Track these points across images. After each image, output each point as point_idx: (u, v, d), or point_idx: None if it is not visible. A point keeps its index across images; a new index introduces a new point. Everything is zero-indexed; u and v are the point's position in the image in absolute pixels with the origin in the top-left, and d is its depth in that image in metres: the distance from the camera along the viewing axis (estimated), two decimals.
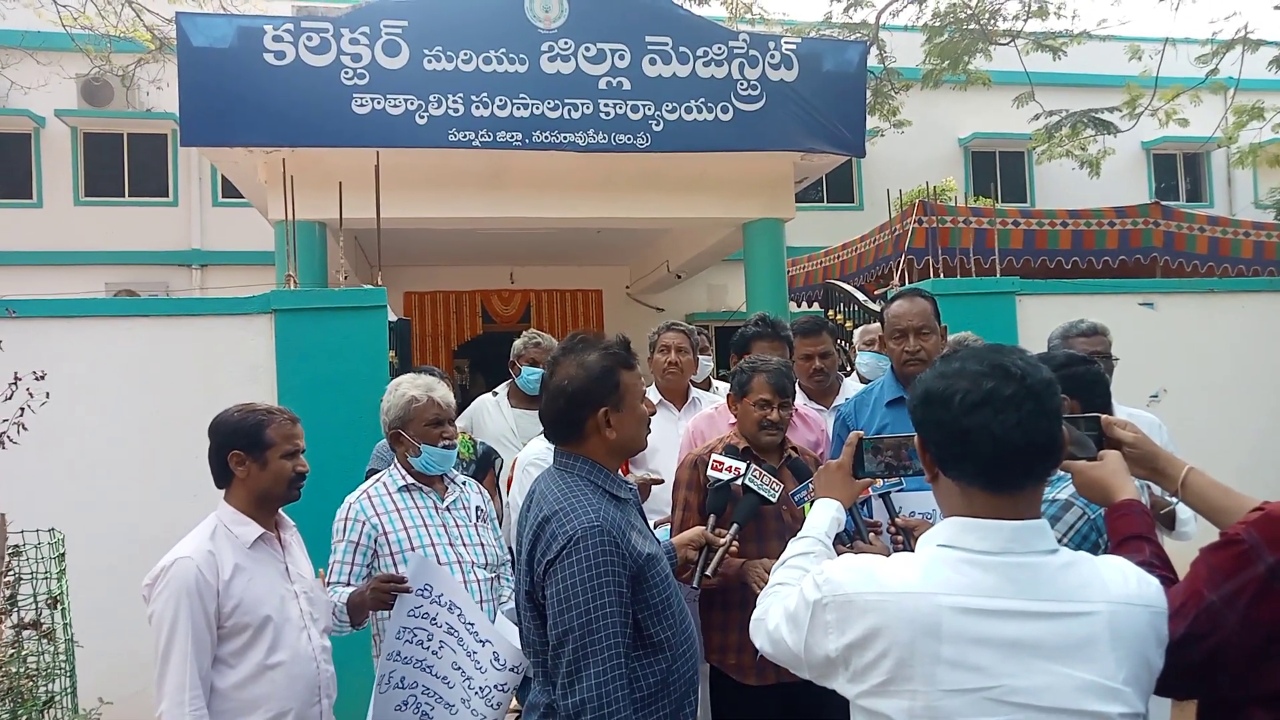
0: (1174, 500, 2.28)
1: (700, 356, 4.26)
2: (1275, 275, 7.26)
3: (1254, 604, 1.28)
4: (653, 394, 3.94)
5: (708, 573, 2.42)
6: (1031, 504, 1.38)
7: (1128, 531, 1.56)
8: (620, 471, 2.16)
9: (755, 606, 1.68)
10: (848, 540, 2.42)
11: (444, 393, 2.91)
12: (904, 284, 5.83)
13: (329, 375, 4.12)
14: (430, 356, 11.86)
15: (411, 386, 2.87)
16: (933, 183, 8.42)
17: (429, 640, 2.53)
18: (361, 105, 6.45)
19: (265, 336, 4.21)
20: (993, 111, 13.55)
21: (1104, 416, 1.77)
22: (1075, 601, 1.31)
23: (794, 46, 7.11)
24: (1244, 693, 1.33)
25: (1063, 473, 1.82)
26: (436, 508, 2.84)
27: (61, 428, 4.05)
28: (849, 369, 5.18)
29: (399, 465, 2.87)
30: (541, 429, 2.10)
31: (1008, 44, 11.37)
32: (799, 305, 9.23)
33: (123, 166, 12.83)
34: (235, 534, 2.34)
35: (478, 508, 2.96)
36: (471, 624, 2.58)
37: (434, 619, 2.54)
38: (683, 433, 3.61)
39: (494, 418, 4.41)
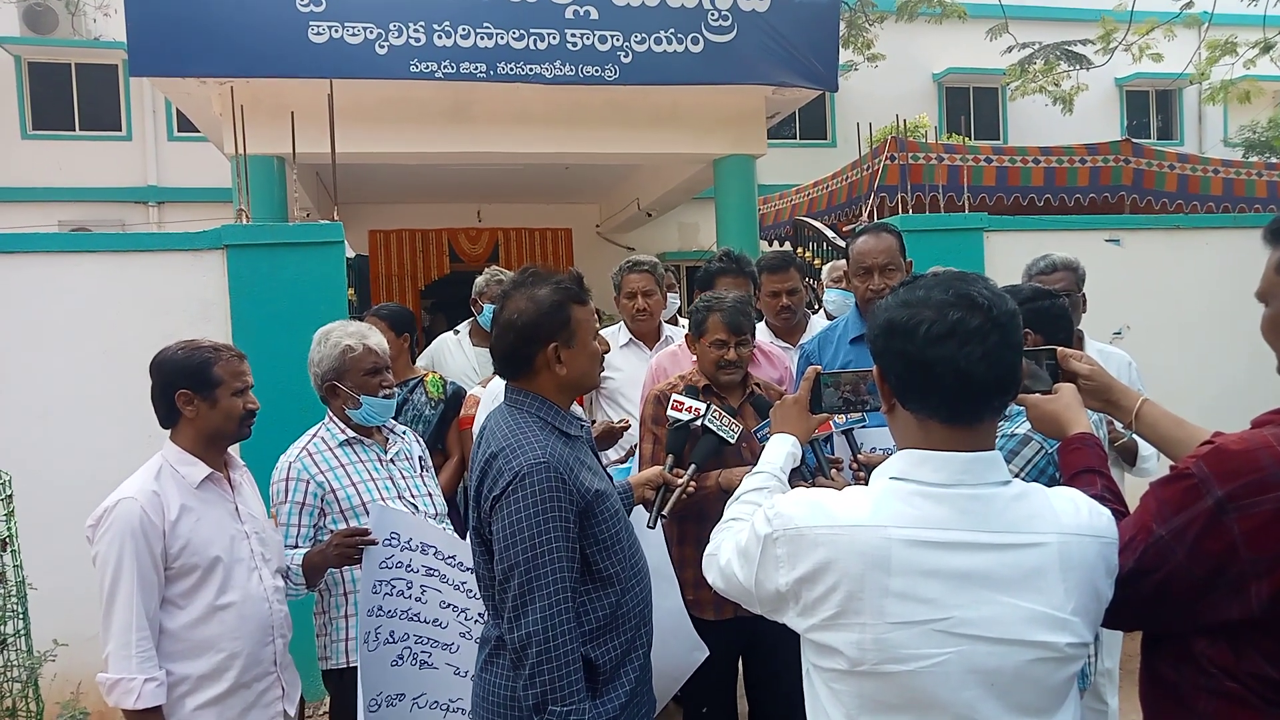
0: (1128, 433, 2.29)
1: (667, 293, 4.21)
2: (1244, 212, 7.29)
3: (1201, 537, 1.27)
4: (624, 334, 3.89)
5: (664, 513, 2.40)
6: (987, 436, 1.36)
7: (1080, 465, 1.55)
8: (578, 405, 2.12)
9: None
10: (809, 476, 2.41)
11: (379, 339, 2.83)
12: (873, 220, 5.77)
13: (284, 312, 4.01)
14: (397, 295, 11.69)
15: (344, 335, 2.77)
16: (906, 119, 8.31)
17: (409, 588, 2.48)
18: (318, 34, 6.22)
19: (217, 272, 4.09)
20: (967, 46, 13.40)
21: (1060, 349, 1.75)
22: (1026, 533, 1.29)
23: None
24: (1188, 624, 1.33)
25: (1018, 407, 1.81)
26: (380, 460, 2.77)
27: (8, 366, 3.95)
28: (817, 306, 5.16)
29: (336, 419, 2.77)
30: None
31: None
32: (770, 243, 9.17)
33: (72, 99, 12.37)
34: (181, 474, 2.29)
35: (420, 457, 2.91)
36: (451, 556, 2.55)
37: (409, 565, 2.49)
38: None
39: (455, 356, 4.34)
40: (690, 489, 2.45)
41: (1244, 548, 1.25)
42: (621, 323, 3.94)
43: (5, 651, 3.07)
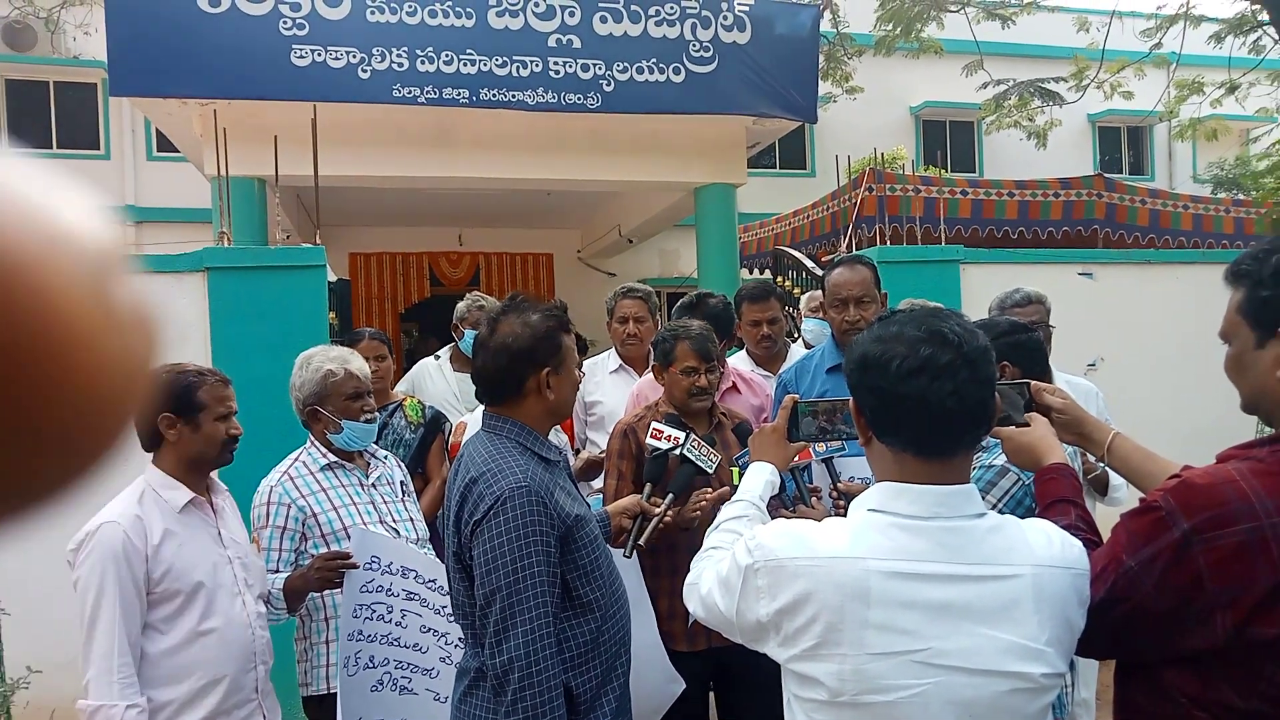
0: (1101, 465, 2.34)
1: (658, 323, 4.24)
2: (1213, 247, 7.46)
3: (1168, 569, 1.31)
4: (613, 360, 3.92)
5: (640, 542, 2.41)
6: (961, 469, 1.39)
7: (1055, 495, 1.59)
8: (563, 431, 2.14)
9: (685, 573, 1.68)
10: (790, 505, 2.44)
11: (360, 364, 2.84)
12: (850, 251, 5.86)
13: (265, 336, 4.01)
14: (377, 319, 11.65)
15: (326, 360, 2.78)
16: (884, 150, 8.45)
17: (390, 612, 2.48)
18: (301, 57, 6.23)
19: (198, 295, 4.07)
20: (944, 81, 13.63)
21: (1033, 383, 1.79)
22: (1001, 564, 1.33)
23: (747, 8, 7.03)
24: (1158, 653, 1.37)
25: (995, 439, 1.84)
26: (362, 485, 2.78)
27: None
28: (796, 335, 5.21)
29: (317, 443, 2.78)
30: None
31: (958, 11, 11.40)
32: (750, 272, 9.24)
33: (50, 117, 12.28)
34: (164, 498, 2.28)
35: (401, 482, 2.91)
36: (432, 580, 2.55)
37: (389, 589, 2.49)
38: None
39: (436, 381, 4.35)
40: (668, 518, 2.46)
41: (1209, 579, 1.28)
42: (612, 349, 3.96)
43: None
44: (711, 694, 2.90)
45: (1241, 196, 10.92)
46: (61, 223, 0.25)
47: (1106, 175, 7.72)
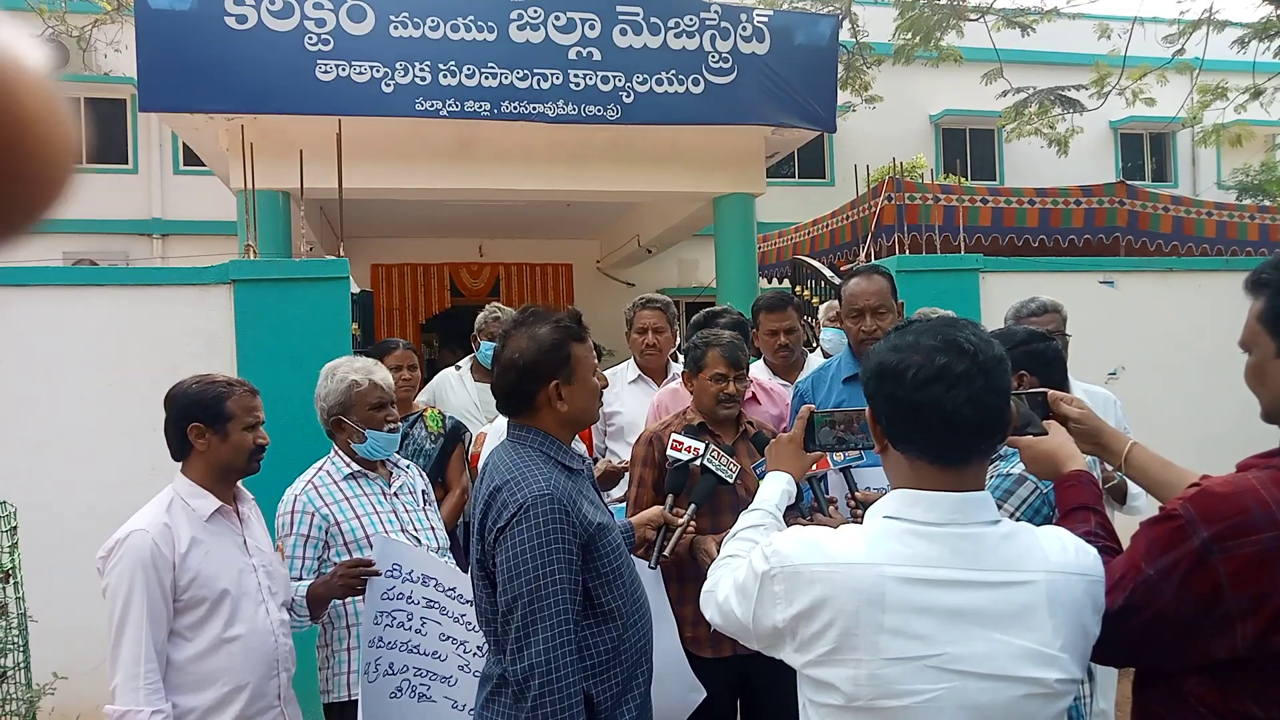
0: (1118, 474, 2.33)
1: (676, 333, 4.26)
2: (1236, 255, 7.38)
3: (1188, 577, 1.31)
4: (632, 370, 3.94)
5: (665, 553, 2.43)
6: (976, 477, 1.40)
7: (1075, 502, 1.58)
8: (581, 440, 2.16)
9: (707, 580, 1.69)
10: (807, 514, 2.44)
11: (384, 374, 2.87)
12: (870, 260, 5.86)
13: (289, 347, 4.06)
14: (398, 330, 11.75)
15: (350, 370, 2.81)
16: (903, 159, 8.43)
17: (410, 619, 2.51)
18: (326, 72, 6.32)
19: (224, 307, 4.14)
20: (964, 89, 13.59)
21: (1051, 392, 1.79)
22: (1016, 571, 1.33)
23: (766, 19, 7.06)
24: (1178, 663, 1.36)
25: (1012, 448, 1.85)
26: (384, 493, 2.81)
27: (14, 399, 3.98)
28: (814, 344, 5.21)
29: (341, 453, 2.82)
30: None
31: (978, 19, 11.38)
32: (769, 281, 9.24)
33: (80, 132, 12.52)
34: (192, 507, 2.32)
35: (423, 491, 2.95)
36: (452, 589, 2.58)
37: (409, 597, 2.52)
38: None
39: (457, 391, 4.39)
40: (691, 529, 2.48)
41: (1229, 588, 1.28)
42: (631, 359, 3.99)
43: (4, 685, 3.08)
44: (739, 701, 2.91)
45: (1267, 203, 10.81)
46: (20, 49, 0.40)
47: (1129, 182, 7.65)
